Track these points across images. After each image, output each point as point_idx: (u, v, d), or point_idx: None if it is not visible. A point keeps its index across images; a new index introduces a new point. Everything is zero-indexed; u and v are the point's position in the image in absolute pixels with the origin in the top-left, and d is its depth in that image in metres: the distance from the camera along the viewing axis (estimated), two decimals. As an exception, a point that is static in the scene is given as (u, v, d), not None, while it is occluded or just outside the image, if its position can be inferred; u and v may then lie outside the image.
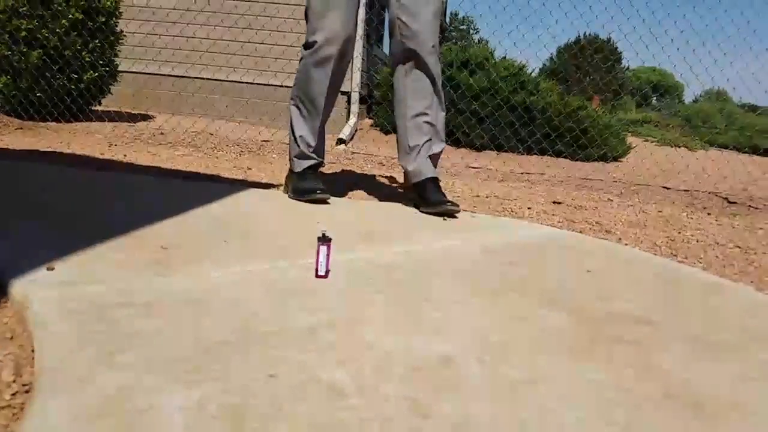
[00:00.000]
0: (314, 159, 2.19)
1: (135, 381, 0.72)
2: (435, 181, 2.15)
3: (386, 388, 0.78)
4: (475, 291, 1.24)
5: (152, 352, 0.80)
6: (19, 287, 0.99)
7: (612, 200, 3.29)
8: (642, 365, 0.93)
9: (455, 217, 2.03)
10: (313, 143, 2.18)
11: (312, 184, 2.10)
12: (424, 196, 2.11)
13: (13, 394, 0.72)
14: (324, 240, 1.25)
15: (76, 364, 0.75)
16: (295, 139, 2.18)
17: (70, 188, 1.91)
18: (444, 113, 2.19)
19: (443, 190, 2.15)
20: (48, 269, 1.08)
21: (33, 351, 0.81)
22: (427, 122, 2.13)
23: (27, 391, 0.73)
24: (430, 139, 2.15)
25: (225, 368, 0.78)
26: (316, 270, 1.26)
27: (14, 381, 0.75)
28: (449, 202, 2.04)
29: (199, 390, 0.72)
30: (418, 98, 2.11)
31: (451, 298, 1.18)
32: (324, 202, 2.07)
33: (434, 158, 2.19)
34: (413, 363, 0.87)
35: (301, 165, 2.18)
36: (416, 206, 2.15)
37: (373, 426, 0.69)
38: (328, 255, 1.26)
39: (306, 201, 2.07)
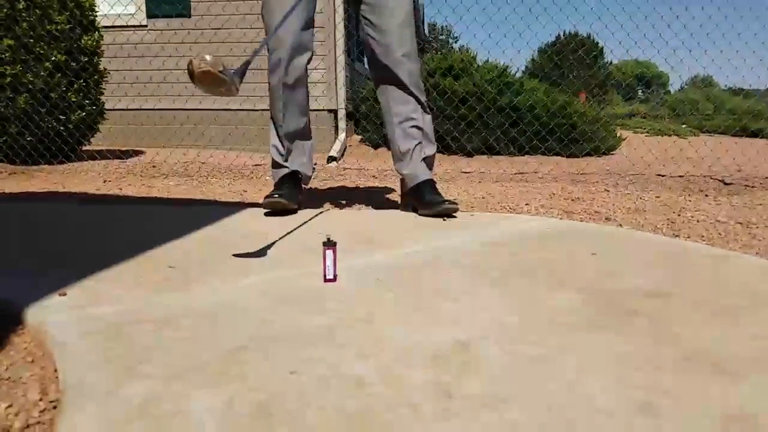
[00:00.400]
0: (286, 168, 2.17)
1: (160, 389, 0.72)
2: (431, 182, 2.16)
3: (409, 376, 0.79)
4: (483, 281, 1.25)
5: (173, 361, 0.81)
6: (34, 314, 0.99)
7: (609, 191, 3.31)
8: (658, 333, 0.94)
9: (454, 216, 2.03)
10: (283, 152, 2.17)
11: (274, 191, 2.07)
12: (421, 198, 2.12)
13: (42, 411, 0.73)
14: (329, 244, 1.26)
15: (100, 378, 0.75)
16: (270, 149, 2.20)
17: (71, 222, 1.92)
18: (430, 116, 2.21)
19: (440, 192, 2.16)
20: (60, 295, 1.08)
21: (55, 371, 0.81)
22: (415, 126, 2.15)
23: (54, 407, 0.73)
24: (420, 143, 2.16)
25: (247, 370, 0.79)
26: (324, 275, 1.26)
27: (41, 399, 0.75)
28: (447, 201, 2.04)
29: (225, 391, 0.72)
30: (401, 104, 2.14)
31: (460, 290, 1.19)
32: (284, 208, 2.03)
33: (428, 161, 2.21)
34: (432, 351, 0.87)
35: (276, 175, 2.20)
36: (414, 210, 2.16)
37: (401, 410, 0.69)
38: (334, 259, 1.27)
39: (266, 208, 2.04)
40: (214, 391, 0.72)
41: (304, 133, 2.21)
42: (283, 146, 2.17)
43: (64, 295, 1.08)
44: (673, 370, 0.81)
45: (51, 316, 0.98)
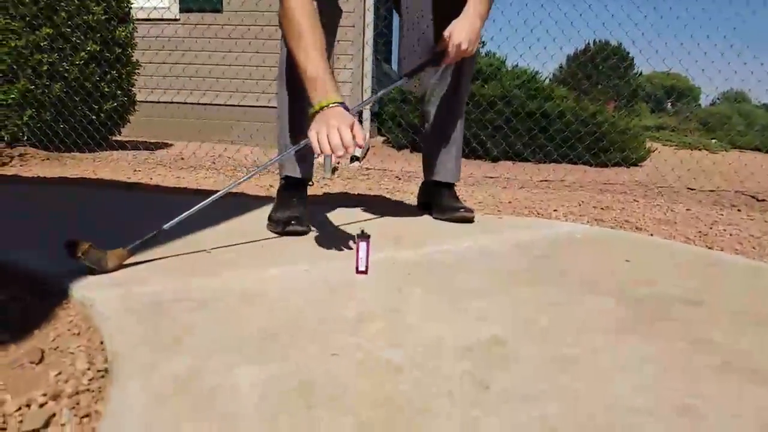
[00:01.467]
0: (293, 177, 1.89)
1: (203, 363, 0.74)
2: (449, 186, 2.09)
3: (443, 365, 0.80)
4: (513, 282, 1.25)
5: (215, 338, 0.83)
6: (79, 290, 1.02)
7: (638, 201, 3.28)
8: (693, 339, 0.94)
9: (471, 221, 1.95)
10: (292, 156, 1.84)
11: (290, 216, 1.75)
12: (439, 201, 2.04)
13: (90, 380, 0.75)
14: (363, 237, 1.28)
15: (146, 351, 0.77)
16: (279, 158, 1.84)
17: (106, 207, 1.96)
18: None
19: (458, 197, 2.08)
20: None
21: (101, 343, 0.83)
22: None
23: (102, 377, 0.76)
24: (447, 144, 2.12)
25: (287, 350, 0.80)
26: (357, 266, 1.28)
27: (89, 369, 0.78)
28: (463, 207, 1.96)
29: (266, 369, 0.74)
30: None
31: (489, 289, 1.19)
32: (304, 234, 1.71)
33: (451, 162, 2.15)
34: (464, 344, 0.88)
35: (283, 185, 1.93)
36: (430, 213, 2.08)
37: (439, 398, 0.70)
38: (368, 251, 1.28)
39: (283, 235, 1.71)
40: (256, 368, 0.74)
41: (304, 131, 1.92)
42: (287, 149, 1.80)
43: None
44: (709, 375, 0.81)
45: (95, 292, 1.01)
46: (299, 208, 1.78)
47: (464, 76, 2.11)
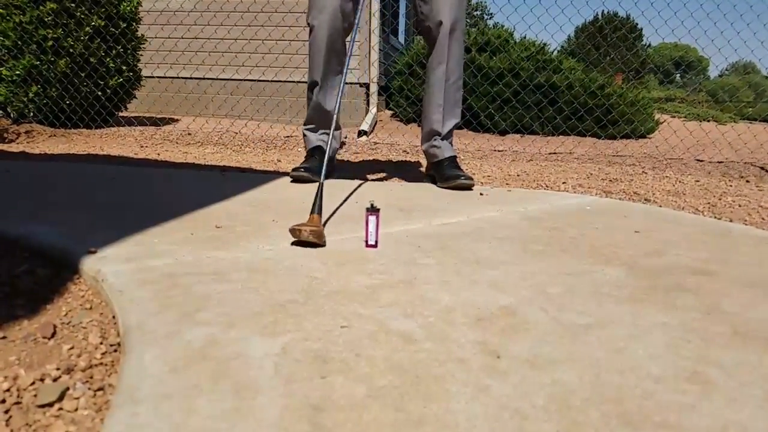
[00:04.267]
0: (313, 141, 2.34)
1: (219, 334, 0.75)
2: (450, 158, 2.25)
3: (455, 334, 0.80)
4: (524, 253, 1.25)
5: (229, 310, 0.83)
6: (90, 264, 1.03)
7: (646, 173, 3.26)
8: (705, 308, 0.94)
9: (470, 189, 2.10)
10: (314, 124, 2.32)
11: (302, 164, 2.20)
12: (442, 171, 2.20)
13: (103, 354, 0.76)
14: (373, 210, 1.27)
15: (160, 323, 0.78)
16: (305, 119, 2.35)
17: (116, 181, 1.96)
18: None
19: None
20: (90, 252, 1.12)
21: (114, 317, 0.84)
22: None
23: (115, 351, 0.77)
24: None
25: (299, 321, 0.81)
26: (366, 240, 1.28)
27: (101, 343, 0.78)
28: (463, 175, 2.10)
29: (281, 339, 0.74)
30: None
31: (501, 260, 1.19)
32: (307, 181, 2.11)
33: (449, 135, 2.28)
34: (476, 313, 0.88)
35: (307, 144, 2.36)
36: (434, 182, 2.26)
37: (449, 365, 0.71)
38: (377, 225, 1.28)
39: (292, 179, 2.13)
40: (271, 339, 0.74)
41: (333, 105, 2.25)
42: (314, 118, 2.27)
43: (95, 252, 1.09)
44: (722, 343, 0.81)
45: (106, 266, 1.01)
46: (312, 162, 2.19)
47: (453, 58, 2.19)
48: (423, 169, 3.04)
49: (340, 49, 2.16)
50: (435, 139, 2.26)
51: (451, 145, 2.30)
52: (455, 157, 2.27)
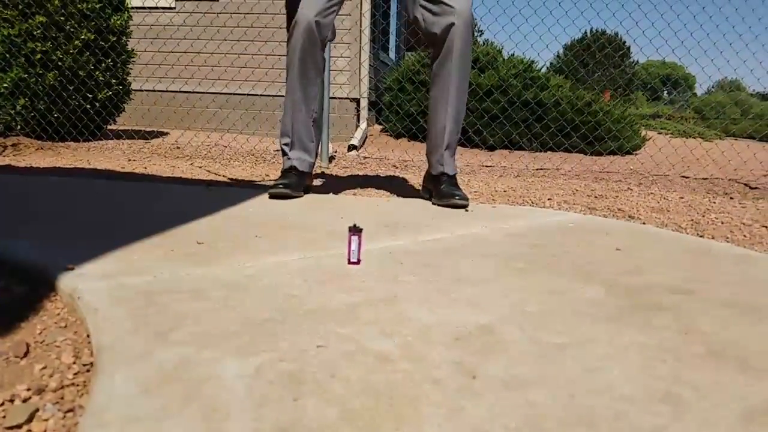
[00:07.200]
0: (289, 159, 2.29)
1: (192, 354, 0.74)
2: (449, 175, 2.20)
3: (432, 354, 0.80)
4: (505, 270, 1.25)
5: (204, 329, 0.83)
6: (66, 281, 1.02)
7: (632, 189, 3.29)
8: (682, 328, 0.94)
9: (465, 208, 2.05)
10: (289, 141, 2.28)
11: (279, 180, 2.16)
12: (438, 188, 2.16)
13: (75, 374, 0.75)
14: (355, 230, 1.28)
15: (133, 342, 0.77)
16: (279, 138, 2.33)
17: (99, 197, 1.95)
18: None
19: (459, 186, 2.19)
20: (68, 269, 1.11)
21: (88, 336, 0.83)
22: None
23: (88, 371, 0.76)
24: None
25: (275, 341, 0.80)
26: (348, 258, 1.28)
27: (74, 362, 0.78)
28: (459, 195, 2.06)
29: (254, 360, 0.74)
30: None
31: (482, 277, 1.19)
32: (286, 197, 2.08)
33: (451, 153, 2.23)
34: (454, 332, 0.88)
35: (284, 163, 2.31)
36: (430, 198, 2.22)
37: (424, 386, 0.71)
38: (359, 244, 1.28)
39: (271, 197, 2.09)
40: (245, 359, 0.74)
41: (310, 123, 2.24)
42: (290, 136, 2.24)
43: (72, 269, 1.08)
44: (696, 363, 0.81)
45: (83, 283, 1.00)
46: (292, 178, 2.16)
47: (456, 72, 2.14)
48: (413, 185, 3.05)
49: (317, 62, 2.15)
50: (439, 153, 2.20)
51: (455, 161, 2.24)
52: (455, 175, 2.22)
